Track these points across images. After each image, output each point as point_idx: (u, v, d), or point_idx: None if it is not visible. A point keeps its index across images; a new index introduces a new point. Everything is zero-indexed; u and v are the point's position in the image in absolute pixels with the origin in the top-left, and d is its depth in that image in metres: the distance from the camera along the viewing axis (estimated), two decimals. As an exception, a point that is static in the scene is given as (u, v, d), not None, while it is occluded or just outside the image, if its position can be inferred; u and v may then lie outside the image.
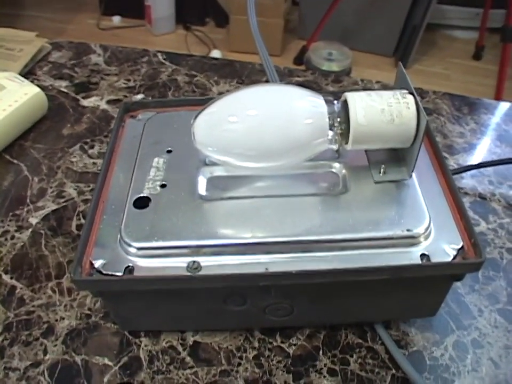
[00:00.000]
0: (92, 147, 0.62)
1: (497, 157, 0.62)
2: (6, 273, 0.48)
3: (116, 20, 2.53)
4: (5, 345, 0.43)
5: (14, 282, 0.47)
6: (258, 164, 0.40)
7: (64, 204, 0.54)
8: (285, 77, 0.73)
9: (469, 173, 0.59)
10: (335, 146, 0.40)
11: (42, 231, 0.52)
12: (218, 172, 0.42)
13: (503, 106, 0.72)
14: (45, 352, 0.42)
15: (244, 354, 0.43)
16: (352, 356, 0.43)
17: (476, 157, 0.62)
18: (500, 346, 0.44)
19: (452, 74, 2.33)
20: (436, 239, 0.37)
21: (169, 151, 0.44)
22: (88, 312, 0.45)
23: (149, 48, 0.81)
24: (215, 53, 2.33)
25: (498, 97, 1.88)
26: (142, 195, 0.40)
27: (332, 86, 0.73)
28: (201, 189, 0.41)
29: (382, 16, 2.26)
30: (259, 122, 0.38)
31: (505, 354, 0.43)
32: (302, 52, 2.29)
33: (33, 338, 0.43)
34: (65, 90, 0.71)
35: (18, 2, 2.60)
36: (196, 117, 0.39)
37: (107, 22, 2.51)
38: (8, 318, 0.45)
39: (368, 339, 0.44)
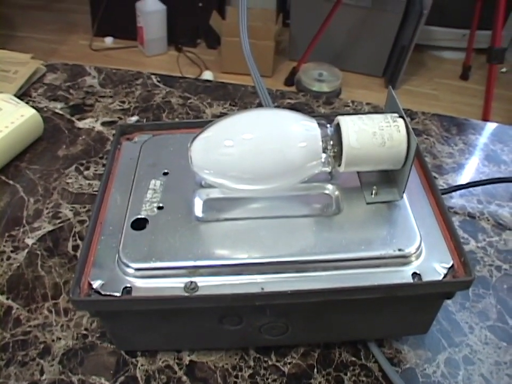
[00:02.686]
0: (88, 168, 0.62)
1: (485, 177, 0.64)
2: (2, 293, 0.48)
3: (108, 41, 2.55)
4: (1, 365, 0.43)
5: (10, 302, 0.47)
6: (254, 186, 0.41)
7: (60, 224, 0.55)
8: (277, 99, 0.75)
9: (458, 192, 0.60)
10: (328, 169, 0.41)
11: (38, 252, 0.52)
12: (214, 194, 0.43)
13: (490, 126, 0.74)
14: (42, 372, 0.43)
15: (240, 373, 0.43)
16: (346, 374, 0.43)
17: (464, 177, 0.64)
18: (491, 362, 0.44)
19: (440, 95, 2.37)
20: (427, 258, 0.38)
21: (165, 173, 0.45)
22: (85, 332, 0.45)
23: (141, 69, 0.82)
24: (207, 74, 2.35)
25: (486, 117, 1.90)
26: (139, 216, 0.41)
27: (323, 107, 0.74)
28: (198, 210, 0.42)
29: (371, 37, 2.30)
30: (254, 146, 0.39)
31: (496, 370, 0.44)
32: (292, 73, 2.32)
33: (30, 358, 0.43)
34: (60, 112, 0.71)
35: (10, 23, 2.61)
36: (193, 140, 0.40)
37: (99, 43, 2.53)
38: (4, 338, 0.45)
39: (362, 357, 0.44)
